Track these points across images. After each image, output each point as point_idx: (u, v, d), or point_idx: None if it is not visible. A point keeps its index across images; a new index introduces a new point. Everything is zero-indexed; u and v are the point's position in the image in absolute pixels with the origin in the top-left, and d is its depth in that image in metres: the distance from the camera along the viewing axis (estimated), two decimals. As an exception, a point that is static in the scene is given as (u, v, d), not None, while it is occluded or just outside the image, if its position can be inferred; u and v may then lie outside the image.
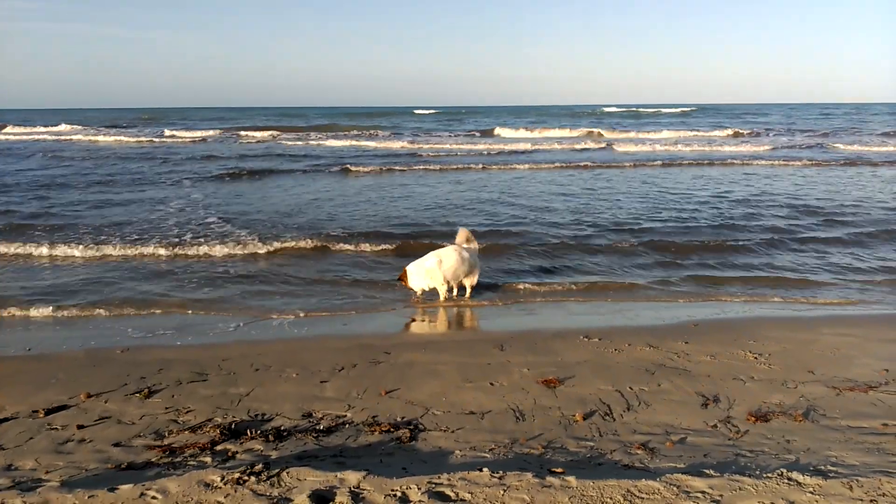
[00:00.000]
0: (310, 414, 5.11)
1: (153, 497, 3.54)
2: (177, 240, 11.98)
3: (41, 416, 5.07)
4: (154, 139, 41.45)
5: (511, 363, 6.25)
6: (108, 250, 11.29)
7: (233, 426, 4.81)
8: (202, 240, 11.90)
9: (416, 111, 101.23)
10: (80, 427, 4.86)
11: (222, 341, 7.15)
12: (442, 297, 8.85)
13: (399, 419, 4.98)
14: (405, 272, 8.73)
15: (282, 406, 5.26)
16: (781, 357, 6.37)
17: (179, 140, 41.32)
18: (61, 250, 11.25)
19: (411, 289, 8.78)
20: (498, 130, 48.69)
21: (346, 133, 45.08)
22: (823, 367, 6.10)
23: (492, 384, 5.72)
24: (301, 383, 5.79)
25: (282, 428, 4.79)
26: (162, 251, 11.34)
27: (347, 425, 4.87)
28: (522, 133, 47.09)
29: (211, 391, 5.61)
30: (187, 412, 5.16)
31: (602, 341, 6.87)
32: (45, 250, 11.27)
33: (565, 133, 46.39)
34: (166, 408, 5.25)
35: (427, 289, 8.75)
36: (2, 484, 3.86)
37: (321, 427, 4.82)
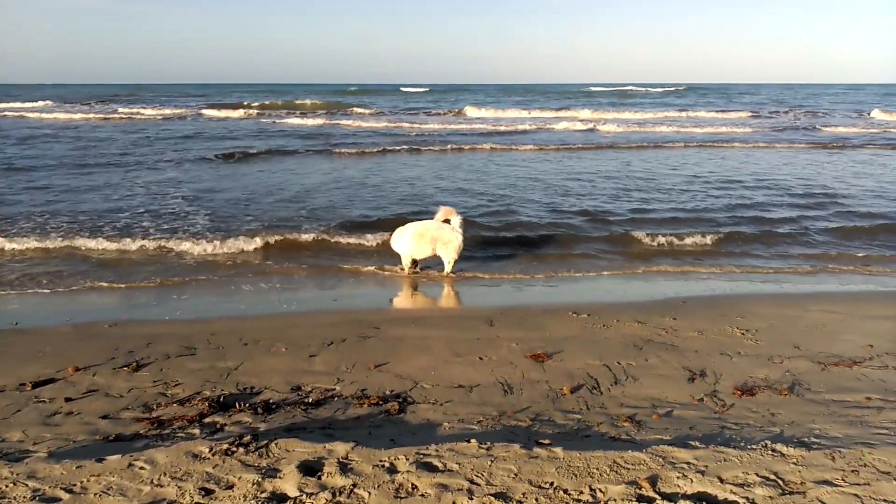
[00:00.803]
0: (298, 387, 5.11)
1: (141, 468, 3.54)
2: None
3: (28, 388, 5.06)
4: (123, 116, 39.79)
5: (500, 338, 6.26)
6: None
7: (221, 399, 4.81)
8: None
9: (404, 88, 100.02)
10: (67, 400, 4.85)
11: (210, 316, 7.13)
12: (406, 269, 9.09)
13: (388, 392, 4.99)
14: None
15: (270, 380, 5.27)
16: (768, 333, 6.42)
17: (141, 118, 39.27)
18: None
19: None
20: (470, 110, 46.74)
21: (314, 112, 44.36)
22: (809, 342, 6.15)
23: (481, 358, 5.74)
24: (290, 357, 5.78)
25: (270, 401, 4.80)
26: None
27: (336, 398, 4.89)
28: (498, 113, 45.05)
29: (199, 365, 5.60)
30: (176, 385, 5.16)
31: (591, 317, 6.90)
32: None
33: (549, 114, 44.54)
34: (154, 381, 5.24)
35: (408, 261, 9.03)
36: (-11, 455, 3.86)
37: (310, 400, 4.83)
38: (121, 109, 44.26)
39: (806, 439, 4.05)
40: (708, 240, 10.59)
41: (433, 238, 8.78)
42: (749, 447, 3.82)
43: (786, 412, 4.59)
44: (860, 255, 10.13)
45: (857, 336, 6.33)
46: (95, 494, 3.30)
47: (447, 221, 8.90)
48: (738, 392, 4.95)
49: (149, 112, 42.66)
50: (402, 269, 9.14)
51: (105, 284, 8.35)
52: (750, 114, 42.98)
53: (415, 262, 9.09)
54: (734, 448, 3.80)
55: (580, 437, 4.20)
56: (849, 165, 19.94)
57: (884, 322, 6.84)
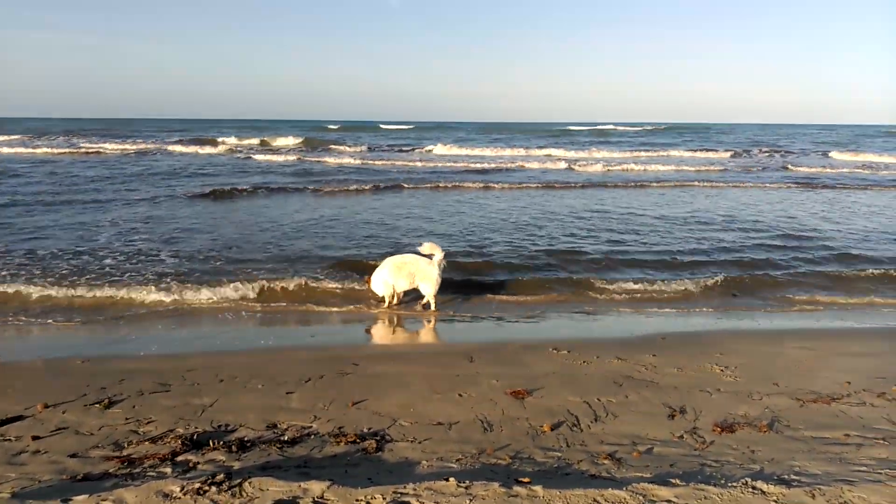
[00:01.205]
0: (274, 425, 5.02)
1: (109, 508, 3.44)
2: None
3: (-5, 426, 4.92)
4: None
5: (480, 374, 6.22)
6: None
7: (195, 437, 4.70)
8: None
9: (384, 126, 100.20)
10: (35, 438, 4.71)
11: (186, 352, 7.02)
12: (385, 302, 9.10)
13: (365, 430, 4.91)
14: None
15: (246, 417, 5.17)
16: (747, 370, 6.43)
17: (113, 153, 37.88)
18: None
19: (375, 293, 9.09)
20: (446, 148, 45.69)
21: (287, 149, 43.91)
22: (788, 379, 6.17)
23: (460, 395, 5.68)
24: (266, 394, 5.69)
25: (245, 439, 4.70)
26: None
27: (312, 436, 4.80)
28: (474, 151, 44.22)
29: (173, 402, 5.49)
30: (148, 423, 5.04)
31: (571, 353, 6.88)
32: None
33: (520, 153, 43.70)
34: (126, 418, 5.12)
35: (389, 293, 9.03)
36: (-50, 496, 3.72)
37: (286, 438, 4.73)
38: (95, 144, 42.98)
39: (786, 476, 4.03)
40: (689, 284, 10.56)
41: (410, 272, 8.81)
42: (729, 485, 3.79)
43: (765, 449, 4.57)
44: (824, 296, 10.18)
45: (834, 373, 6.36)
46: (60, 536, 3.19)
47: (430, 256, 8.89)
48: (718, 429, 4.93)
49: (122, 147, 41.88)
50: (383, 303, 9.11)
51: (78, 321, 8.20)
52: (726, 153, 43.72)
53: (394, 296, 9.08)
54: (714, 486, 3.77)
55: (560, 474, 4.14)
56: (816, 204, 20.19)
57: (860, 359, 6.88)
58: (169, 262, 10.90)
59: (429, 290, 8.87)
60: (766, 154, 44.46)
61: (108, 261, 10.88)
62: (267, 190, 21.09)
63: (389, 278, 8.87)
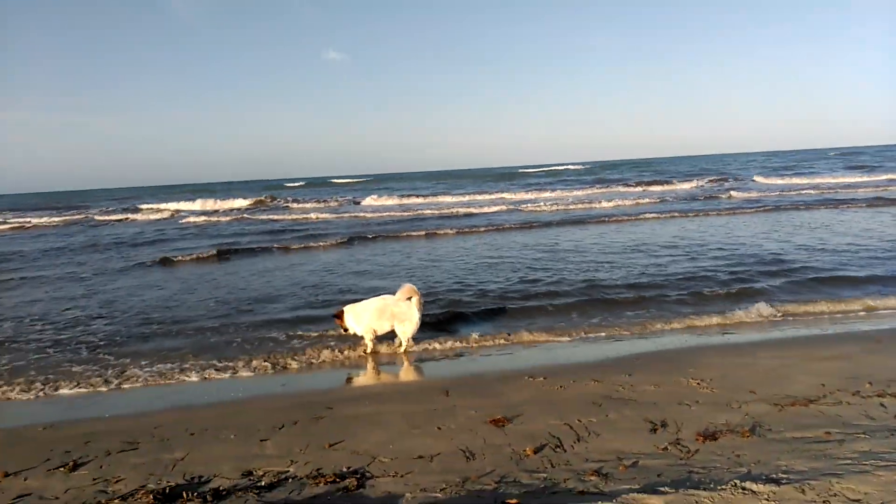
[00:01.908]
0: (250, 472, 4.84)
1: (79, 567, 3.24)
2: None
3: (-49, 499, 4.65)
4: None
5: (457, 407, 6.12)
6: None
7: (167, 490, 4.51)
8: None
9: (334, 180, 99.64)
10: (-5, 507, 4.47)
11: (154, 409, 6.78)
12: (369, 346, 8.89)
13: (345, 469, 4.77)
14: (341, 312, 8.93)
15: (220, 467, 4.98)
16: (722, 381, 6.44)
17: (39, 226, 36.74)
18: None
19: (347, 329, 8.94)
20: (368, 200, 44.34)
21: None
22: (764, 386, 6.20)
23: (439, 428, 5.57)
24: (240, 444, 5.51)
25: (220, 488, 4.52)
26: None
27: (290, 480, 4.64)
28: (421, 200, 42.68)
29: (143, 459, 5.27)
30: (117, 482, 4.82)
31: (547, 380, 6.82)
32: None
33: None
34: (94, 479, 4.90)
35: (371, 336, 8.86)
36: None
37: (262, 483, 4.57)
38: (25, 219, 40.90)
39: (774, 475, 4.00)
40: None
41: (393, 314, 8.74)
42: (719, 488, 3.75)
43: (750, 452, 4.55)
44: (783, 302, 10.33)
45: (808, 377, 6.41)
46: None
47: (409, 299, 8.84)
48: (701, 438, 4.90)
49: (48, 220, 40.00)
50: (365, 346, 8.92)
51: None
52: (666, 186, 44.13)
53: (374, 339, 8.94)
54: (704, 490, 3.73)
55: (548, 493, 4.06)
56: (754, 226, 20.45)
57: (831, 362, 6.95)
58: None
59: (408, 331, 8.79)
60: (714, 182, 45.41)
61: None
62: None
63: (374, 322, 8.76)
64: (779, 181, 43.21)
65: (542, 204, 33.57)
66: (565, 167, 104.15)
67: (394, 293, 8.95)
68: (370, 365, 8.41)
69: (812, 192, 32.92)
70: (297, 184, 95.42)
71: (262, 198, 49.66)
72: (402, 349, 8.84)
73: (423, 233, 23.17)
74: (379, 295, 9.07)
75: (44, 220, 40.22)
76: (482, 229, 23.70)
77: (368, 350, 8.87)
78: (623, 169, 79.77)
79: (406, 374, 8.15)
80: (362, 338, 8.90)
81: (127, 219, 38.97)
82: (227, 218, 35.04)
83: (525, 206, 33.32)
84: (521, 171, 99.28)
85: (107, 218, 40.08)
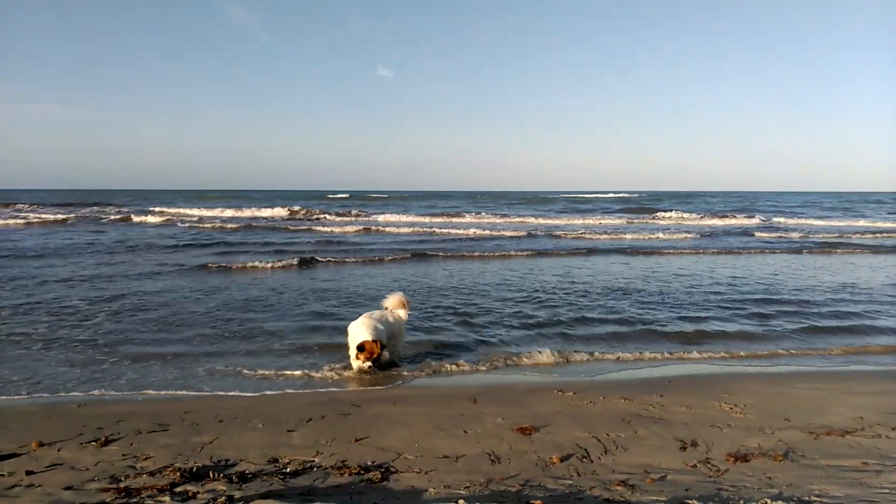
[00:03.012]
0: (276, 459, 4.88)
1: (106, 530, 3.30)
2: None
3: (-13, 463, 4.77)
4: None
5: (485, 413, 6.09)
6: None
7: (194, 470, 4.57)
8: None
9: (330, 195, 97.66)
10: (28, 473, 4.57)
11: (185, 396, 6.88)
12: (367, 363, 7.73)
13: (370, 463, 4.78)
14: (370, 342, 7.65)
15: (247, 453, 5.03)
16: (756, 408, 6.32)
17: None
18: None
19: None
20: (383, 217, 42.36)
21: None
22: (798, 415, 6.06)
23: (465, 432, 5.56)
24: (267, 432, 5.56)
25: (246, 472, 4.57)
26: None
27: (315, 468, 4.66)
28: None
29: (172, 440, 5.35)
30: (146, 459, 4.90)
31: (576, 395, 6.76)
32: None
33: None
34: (124, 455, 4.98)
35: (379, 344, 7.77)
36: (-60, 522, 3.58)
37: (288, 470, 4.61)
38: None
39: (807, 499, 3.91)
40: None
41: (396, 330, 8.32)
42: (749, 505, 3.67)
43: (782, 476, 4.45)
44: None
45: (845, 409, 6.25)
46: (55, 556, 3.04)
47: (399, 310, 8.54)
48: (732, 458, 4.81)
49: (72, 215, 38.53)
50: (367, 364, 7.78)
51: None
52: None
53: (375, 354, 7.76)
54: (733, 506, 3.65)
55: (572, 499, 4.02)
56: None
57: (870, 397, 6.77)
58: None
59: (401, 345, 8.46)
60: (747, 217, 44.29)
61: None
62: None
63: (383, 336, 7.91)
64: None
65: (583, 231, 32.40)
66: (590, 195, 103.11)
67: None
68: (393, 373, 8.29)
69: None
70: (341, 195, 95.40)
71: (296, 208, 49.53)
72: (393, 358, 8.30)
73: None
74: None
75: (70, 215, 39.72)
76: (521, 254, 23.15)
77: (370, 364, 7.75)
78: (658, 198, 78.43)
79: (434, 381, 8.09)
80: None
81: (169, 220, 39.46)
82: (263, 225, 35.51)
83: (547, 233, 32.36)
84: (552, 195, 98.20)
85: (149, 219, 40.57)
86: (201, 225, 34.45)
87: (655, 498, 3.96)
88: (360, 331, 7.76)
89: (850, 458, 4.82)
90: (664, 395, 6.77)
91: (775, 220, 43.35)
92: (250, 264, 17.42)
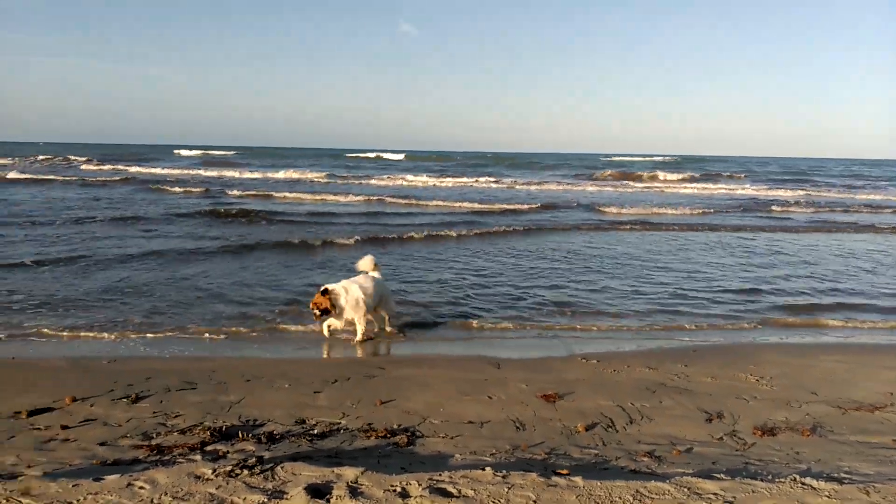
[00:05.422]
0: (303, 420, 4.94)
1: (140, 487, 3.36)
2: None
3: (23, 416, 4.88)
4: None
5: (508, 379, 6.11)
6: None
7: (223, 429, 4.63)
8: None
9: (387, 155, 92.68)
10: (63, 427, 4.67)
11: (211, 355, 6.97)
12: (364, 327, 7.73)
13: (396, 426, 4.82)
14: (333, 294, 7.45)
15: (273, 413, 5.10)
16: (782, 379, 6.27)
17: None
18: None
19: (322, 317, 7.54)
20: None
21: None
22: (825, 389, 6.00)
23: (490, 397, 5.58)
24: (293, 393, 5.62)
25: (274, 432, 4.63)
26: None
27: (342, 430, 4.72)
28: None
29: (200, 398, 5.43)
30: (176, 417, 4.99)
31: (600, 363, 6.74)
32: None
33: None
34: (154, 412, 5.07)
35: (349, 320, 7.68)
36: (-20, 475, 3.67)
37: (315, 432, 4.66)
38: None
39: (836, 475, 3.88)
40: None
41: (381, 295, 8.02)
42: (777, 480, 3.65)
43: (810, 451, 4.42)
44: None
45: (875, 384, 6.17)
46: (92, 512, 3.12)
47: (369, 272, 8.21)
48: (759, 432, 4.79)
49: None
50: (361, 333, 7.75)
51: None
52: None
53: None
54: (761, 481, 3.63)
55: (598, 469, 4.02)
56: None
57: (899, 372, 6.69)
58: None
59: (388, 310, 8.17)
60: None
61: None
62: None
63: (369, 302, 7.70)
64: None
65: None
66: (624, 158, 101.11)
67: None
68: (419, 334, 8.26)
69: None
70: (367, 154, 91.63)
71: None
72: (387, 328, 8.19)
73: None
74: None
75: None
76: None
77: (363, 334, 7.78)
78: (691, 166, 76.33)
79: (457, 344, 8.07)
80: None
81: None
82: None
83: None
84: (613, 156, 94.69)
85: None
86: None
87: (682, 470, 3.95)
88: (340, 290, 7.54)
89: (879, 435, 4.78)
90: (689, 364, 6.74)
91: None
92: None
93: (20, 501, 3.20)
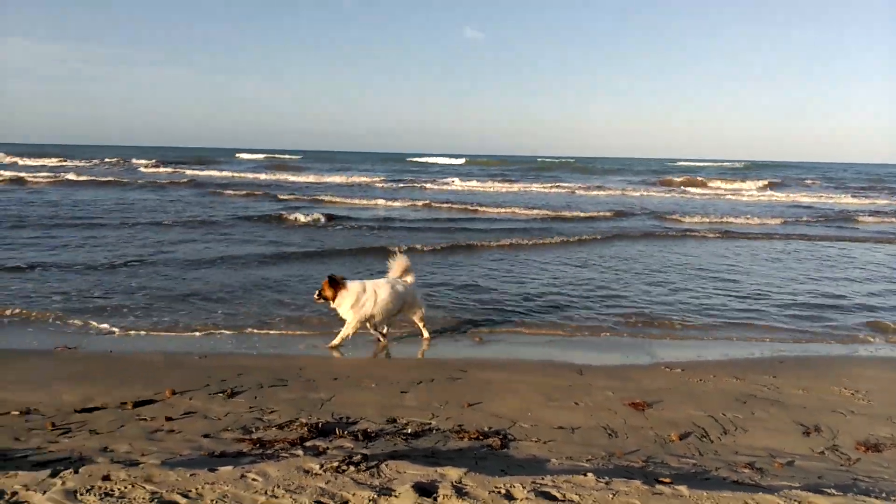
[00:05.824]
0: (394, 419, 5.02)
1: (253, 479, 3.48)
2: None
3: (129, 407, 5.10)
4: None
5: (593, 386, 6.07)
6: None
7: (319, 425, 4.75)
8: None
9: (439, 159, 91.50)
10: (168, 419, 4.87)
11: (297, 353, 7.13)
12: (349, 333, 7.31)
13: (487, 429, 4.85)
14: (343, 288, 7.27)
15: (364, 411, 5.20)
16: (880, 394, 6.05)
17: None
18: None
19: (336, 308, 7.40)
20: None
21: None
22: (927, 405, 5.77)
23: (576, 403, 5.56)
24: (380, 393, 5.72)
25: (368, 430, 4.72)
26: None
27: (434, 431, 4.77)
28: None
29: (292, 395, 5.58)
30: (271, 412, 5.13)
31: (685, 372, 6.64)
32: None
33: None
34: (250, 407, 5.23)
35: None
36: (101, 462, 3.85)
37: (408, 431, 4.73)
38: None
39: (954, 495, 3.73)
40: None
41: (406, 301, 7.67)
42: (892, 498, 3.53)
43: (920, 469, 4.26)
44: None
45: (982, 402, 5.90)
46: (211, 501, 3.24)
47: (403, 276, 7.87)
48: (863, 448, 4.64)
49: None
50: (381, 335, 7.72)
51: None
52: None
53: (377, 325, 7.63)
54: (876, 498, 3.52)
55: (699, 479, 3.97)
56: None
57: None
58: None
59: (418, 315, 7.82)
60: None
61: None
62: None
63: (392, 305, 7.45)
64: None
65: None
66: (692, 163, 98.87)
67: None
68: (495, 339, 8.29)
69: None
70: (428, 158, 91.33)
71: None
72: (425, 335, 7.89)
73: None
74: None
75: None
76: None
77: (383, 340, 7.70)
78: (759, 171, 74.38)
79: (534, 351, 8.04)
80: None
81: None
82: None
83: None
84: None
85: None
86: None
87: (788, 484, 3.86)
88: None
89: None
90: (777, 376, 6.57)
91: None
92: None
93: (144, 487, 3.35)
